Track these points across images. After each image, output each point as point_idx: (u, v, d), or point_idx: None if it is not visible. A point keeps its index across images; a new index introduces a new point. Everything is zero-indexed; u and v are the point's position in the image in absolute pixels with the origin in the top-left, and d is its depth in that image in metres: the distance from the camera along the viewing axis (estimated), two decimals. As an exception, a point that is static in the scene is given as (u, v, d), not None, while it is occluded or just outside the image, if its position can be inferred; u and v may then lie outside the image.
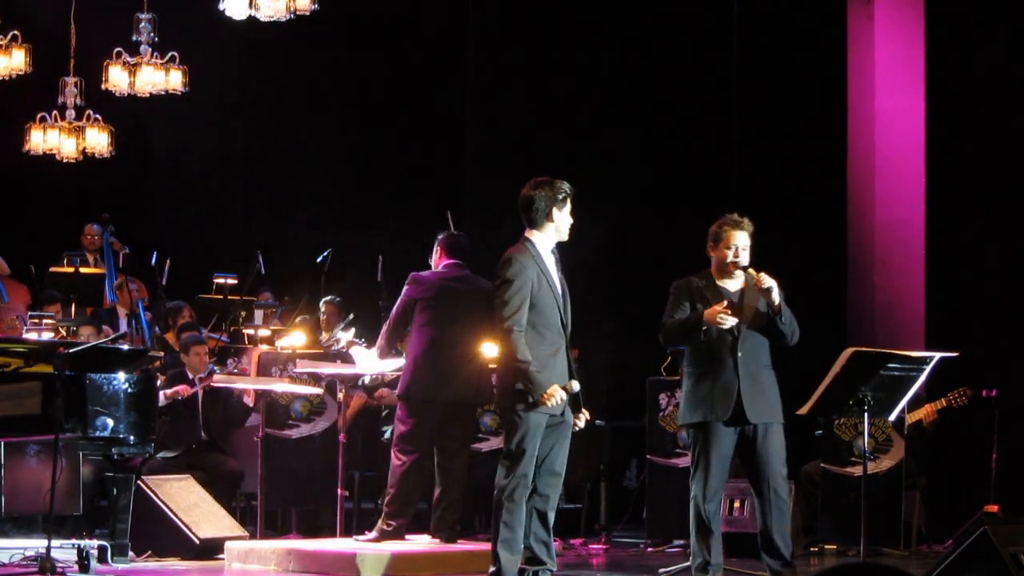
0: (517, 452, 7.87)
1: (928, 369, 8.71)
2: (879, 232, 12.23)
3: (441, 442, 9.71)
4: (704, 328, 8.20)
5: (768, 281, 8.19)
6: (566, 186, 8.10)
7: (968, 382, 10.95)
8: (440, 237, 9.98)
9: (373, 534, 9.65)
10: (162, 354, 11.84)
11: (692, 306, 8.35)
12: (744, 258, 8.34)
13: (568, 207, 8.10)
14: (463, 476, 9.78)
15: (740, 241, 8.35)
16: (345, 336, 11.46)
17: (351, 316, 11.14)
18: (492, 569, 7.93)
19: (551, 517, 8.06)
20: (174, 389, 10.98)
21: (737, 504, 10.56)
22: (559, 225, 8.09)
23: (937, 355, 8.78)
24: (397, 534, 9.58)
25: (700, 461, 8.27)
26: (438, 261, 9.92)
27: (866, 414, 8.57)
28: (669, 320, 8.37)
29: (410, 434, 9.64)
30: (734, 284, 8.40)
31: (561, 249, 8.20)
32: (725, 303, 8.18)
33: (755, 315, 8.30)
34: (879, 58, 12.30)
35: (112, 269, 14.06)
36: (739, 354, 8.25)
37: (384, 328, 9.97)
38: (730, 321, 8.14)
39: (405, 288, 9.82)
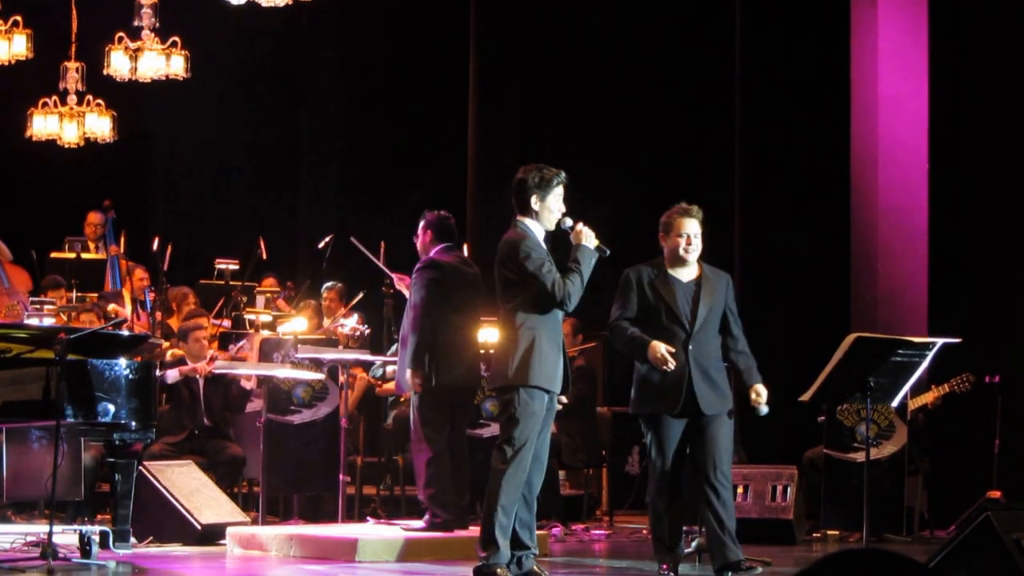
0: (521, 438, 7.83)
1: (931, 355, 8.70)
2: (882, 219, 12.21)
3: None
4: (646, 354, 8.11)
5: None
6: (561, 174, 7.97)
7: (971, 368, 10.94)
8: (428, 219, 9.82)
9: (422, 524, 9.58)
10: (163, 341, 11.83)
11: (640, 302, 8.21)
12: (696, 246, 8.24)
13: (560, 194, 7.97)
14: (467, 461, 9.78)
15: (691, 229, 8.19)
16: (347, 323, 11.46)
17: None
18: (484, 554, 7.82)
19: (534, 502, 8.05)
20: (191, 366, 10.97)
21: (740, 490, 10.56)
22: (549, 213, 7.97)
23: (940, 341, 8.77)
24: (447, 527, 9.49)
25: (652, 453, 8.21)
26: (427, 244, 9.81)
27: (868, 400, 8.56)
28: (619, 324, 8.21)
29: (437, 422, 9.58)
30: (687, 274, 8.24)
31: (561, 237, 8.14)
32: (672, 350, 8.04)
33: (710, 308, 8.23)
34: (882, 44, 12.27)
35: (115, 260, 14.06)
36: (690, 347, 8.16)
37: (415, 320, 9.60)
38: (670, 365, 8.03)
39: (427, 274, 9.60)
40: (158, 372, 10.86)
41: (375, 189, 16.27)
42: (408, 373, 9.52)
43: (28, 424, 9.45)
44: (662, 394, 8.12)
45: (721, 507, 8.11)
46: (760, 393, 8.18)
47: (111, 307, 12.36)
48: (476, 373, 9.87)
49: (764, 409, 8.15)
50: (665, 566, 8.24)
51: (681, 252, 8.18)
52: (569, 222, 7.97)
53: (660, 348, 8.02)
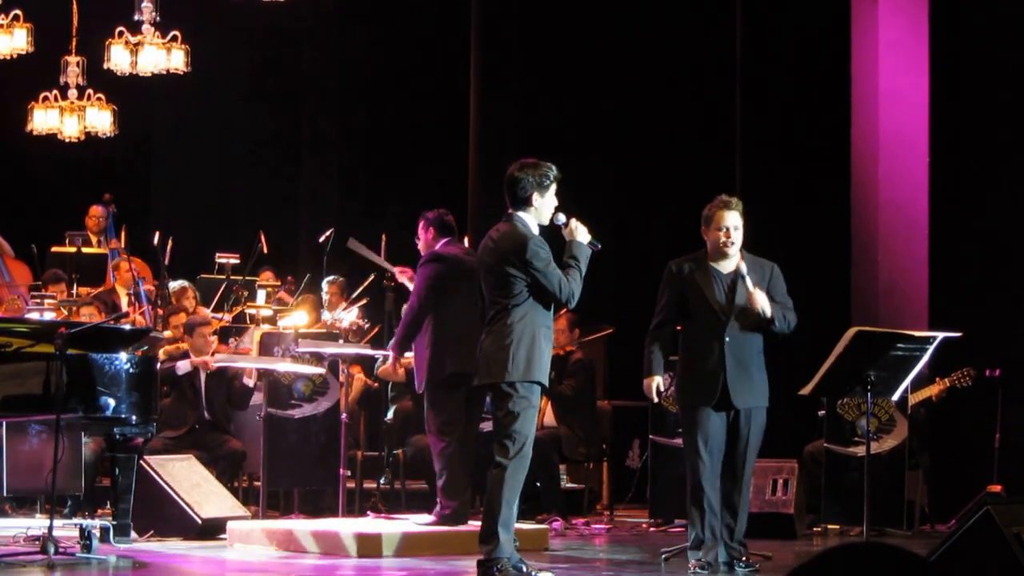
0: (524, 432, 7.85)
1: (931, 349, 8.70)
2: (882, 212, 12.20)
3: None
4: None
5: (759, 303, 8.18)
6: (553, 170, 7.95)
7: (971, 362, 10.93)
8: (427, 217, 9.88)
9: (432, 518, 9.58)
10: (165, 334, 11.83)
11: (677, 297, 8.33)
12: (736, 238, 8.29)
13: (553, 191, 7.94)
14: (473, 454, 9.79)
15: (731, 221, 8.27)
16: (348, 317, 11.44)
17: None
18: (488, 547, 7.79)
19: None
20: (202, 359, 10.96)
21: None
22: (541, 209, 7.94)
23: (940, 335, 8.77)
24: (456, 519, 9.51)
25: (688, 444, 8.30)
26: (430, 241, 9.84)
27: (869, 394, 8.55)
28: (650, 334, 8.43)
29: (452, 414, 9.58)
30: (728, 266, 8.34)
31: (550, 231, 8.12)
32: (662, 391, 8.39)
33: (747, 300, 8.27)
34: (883, 37, 12.26)
35: (116, 254, 14.04)
36: (726, 339, 8.22)
37: (411, 316, 9.71)
38: (653, 399, 8.42)
39: (432, 267, 9.66)
40: (168, 363, 10.91)
41: (376, 182, 16.27)
42: (389, 356, 9.69)
43: (28, 418, 9.45)
44: (698, 386, 8.26)
45: (737, 512, 8.22)
46: (758, 301, 8.21)
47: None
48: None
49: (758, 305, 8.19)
50: (695, 563, 8.26)
51: (721, 245, 8.25)
52: (562, 218, 7.97)
53: (652, 385, 8.33)
